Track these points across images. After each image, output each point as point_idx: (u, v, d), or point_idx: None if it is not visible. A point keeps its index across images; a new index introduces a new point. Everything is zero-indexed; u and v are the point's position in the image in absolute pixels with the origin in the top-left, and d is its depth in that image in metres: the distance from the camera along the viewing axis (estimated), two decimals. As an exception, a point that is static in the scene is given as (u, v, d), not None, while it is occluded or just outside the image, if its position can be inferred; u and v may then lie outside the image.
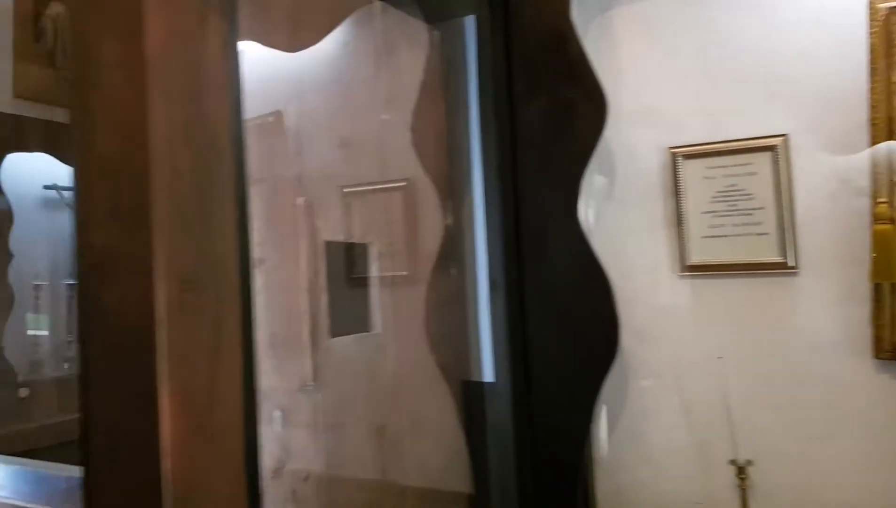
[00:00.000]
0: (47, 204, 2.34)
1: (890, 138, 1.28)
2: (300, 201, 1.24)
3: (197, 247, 0.79)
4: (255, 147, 1.00)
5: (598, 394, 1.36)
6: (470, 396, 1.54)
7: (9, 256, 2.00)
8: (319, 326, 1.22)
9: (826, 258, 1.36)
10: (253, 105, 0.88)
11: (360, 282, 1.40)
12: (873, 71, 1.29)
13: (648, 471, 1.49)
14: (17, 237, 2.00)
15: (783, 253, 1.38)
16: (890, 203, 1.28)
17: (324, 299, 1.24)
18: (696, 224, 1.44)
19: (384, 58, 1.47)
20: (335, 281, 1.29)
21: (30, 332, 2.12)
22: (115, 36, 0.76)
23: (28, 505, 1.16)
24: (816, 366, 1.36)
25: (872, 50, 1.29)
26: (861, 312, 1.32)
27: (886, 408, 1.30)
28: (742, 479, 1.39)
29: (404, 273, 1.51)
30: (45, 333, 2.13)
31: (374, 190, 1.53)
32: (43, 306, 2.22)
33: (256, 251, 0.91)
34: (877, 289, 1.30)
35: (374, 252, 1.41)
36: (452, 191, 1.52)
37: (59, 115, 2.23)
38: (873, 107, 1.29)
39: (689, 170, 1.44)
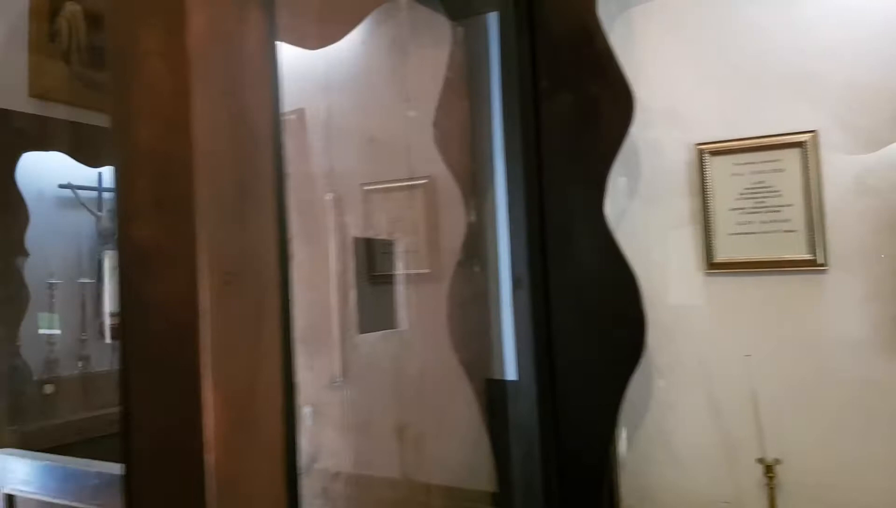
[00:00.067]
0: (62, 203, 2.35)
1: (921, 134, 1.27)
2: (329, 196, 1.24)
3: (238, 240, 0.78)
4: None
5: (623, 394, 1.35)
6: (492, 394, 1.53)
7: (25, 254, 2.01)
8: (348, 322, 1.22)
9: (855, 256, 1.34)
10: (276, 102, 0.88)
11: (386, 279, 1.40)
12: (904, 66, 1.27)
13: (673, 470, 1.48)
14: (33, 236, 2.01)
15: (812, 250, 1.37)
16: (921, 200, 1.26)
17: (352, 295, 1.23)
18: (722, 221, 1.43)
19: (407, 54, 1.47)
20: (362, 277, 1.29)
21: (45, 331, 2.12)
22: (158, 29, 0.76)
23: (56, 501, 1.15)
24: (845, 364, 1.35)
25: (903, 45, 1.28)
26: (891, 309, 1.31)
27: (917, 407, 1.29)
28: (770, 478, 1.38)
29: (428, 270, 1.51)
30: (59, 331, 2.13)
31: (397, 187, 1.52)
32: (58, 304, 2.22)
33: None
34: (908, 286, 1.28)
35: (399, 249, 1.41)
36: (475, 188, 1.52)
37: (75, 114, 2.24)
38: (904, 102, 1.28)
39: (716, 167, 1.43)
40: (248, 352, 0.79)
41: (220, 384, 0.74)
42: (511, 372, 1.52)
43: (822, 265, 1.37)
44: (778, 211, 1.39)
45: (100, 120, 2.28)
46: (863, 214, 1.34)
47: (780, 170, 1.38)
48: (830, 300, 1.37)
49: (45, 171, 2.24)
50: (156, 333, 0.76)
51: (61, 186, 2.34)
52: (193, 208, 0.73)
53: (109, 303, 2.44)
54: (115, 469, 1.22)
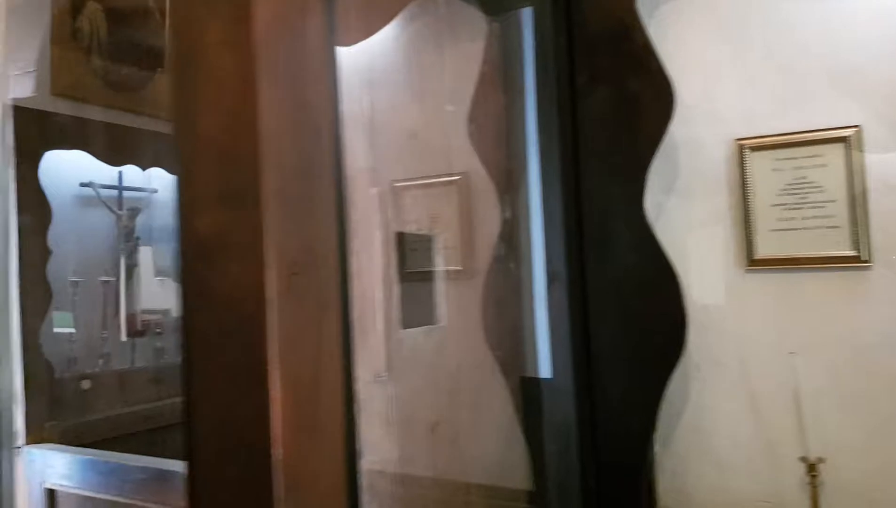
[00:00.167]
0: (84, 201, 2.36)
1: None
2: (374, 191, 1.23)
3: (302, 232, 0.78)
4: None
5: (662, 393, 1.34)
6: (527, 391, 1.52)
7: (47, 253, 2.01)
8: (392, 316, 1.21)
9: (900, 252, 1.33)
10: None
11: (426, 274, 1.39)
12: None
13: (712, 470, 1.46)
14: (55, 235, 2.01)
15: (855, 247, 1.35)
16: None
17: (396, 290, 1.23)
18: (763, 217, 1.41)
19: (442, 50, 1.46)
20: (404, 272, 1.28)
21: (59, 329, 2.13)
22: (223, 20, 0.76)
23: (98, 496, 1.15)
24: (890, 361, 1.33)
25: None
26: (938, 306, 1.29)
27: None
28: (813, 477, 1.36)
29: (463, 266, 1.50)
30: (73, 330, 2.13)
31: (433, 183, 1.52)
32: (79, 302, 2.23)
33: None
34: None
35: (438, 244, 1.40)
36: (510, 184, 1.51)
37: (96, 112, 2.25)
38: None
39: (757, 162, 1.41)
40: (311, 345, 0.78)
41: (286, 377, 0.74)
42: (546, 370, 1.51)
43: (865, 262, 1.35)
44: (821, 207, 1.37)
45: (121, 118, 2.29)
46: (908, 209, 1.32)
47: (823, 165, 1.37)
48: (874, 297, 1.34)
49: (67, 169, 2.25)
50: (220, 326, 0.76)
51: (83, 185, 2.35)
52: (260, 199, 0.73)
53: (125, 301, 2.45)
54: (159, 463, 1.22)
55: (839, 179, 1.36)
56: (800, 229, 1.39)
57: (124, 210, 2.46)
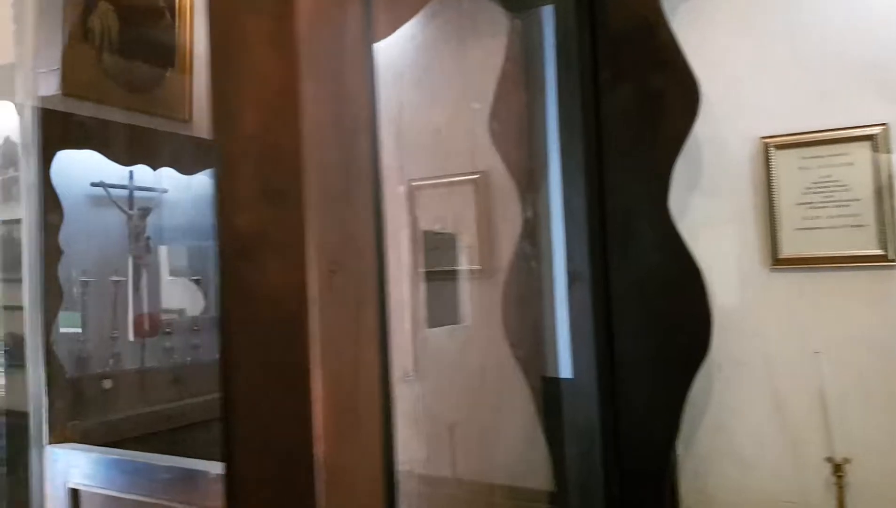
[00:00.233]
0: (94, 201, 2.35)
1: None
2: (401, 189, 1.22)
3: (341, 229, 0.77)
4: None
5: (687, 394, 1.33)
6: (548, 391, 1.51)
7: (58, 253, 2.01)
8: (418, 315, 1.20)
9: (927, 251, 1.32)
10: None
11: (447, 273, 1.39)
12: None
13: (735, 470, 1.46)
14: (66, 234, 2.01)
15: (883, 245, 1.34)
16: None
17: (422, 289, 1.22)
18: (788, 216, 1.41)
19: (463, 47, 1.45)
20: (429, 270, 1.28)
21: (66, 330, 2.13)
22: (264, 15, 0.75)
23: (124, 496, 1.14)
24: (917, 362, 1.32)
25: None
26: (966, 306, 1.28)
27: None
28: (839, 477, 1.35)
29: (484, 265, 1.49)
30: (80, 330, 2.13)
31: (452, 181, 1.51)
32: (90, 302, 2.23)
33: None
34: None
35: (462, 243, 1.39)
36: (532, 182, 1.50)
37: (107, 112, 2.24)
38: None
39: (782, 160, 1.40)
40: (350, 343, 0.77)
41: (327, 376, 0.73)
42: (566, 370, 1.50)
43: (892, 261, 1.34)
44: (847, 206, 1.36)
45: (132, 118, 2.29)
46: (936, 208, 1.31)
47: (849, 164, 1.36)
48: (901, 297, 1.34)
49: (78, 169, 2.24)
50: (261, 323, 0.75)
51: (93, 185, 2.34)
52: (302, 196, 0.72)
53: (133, 301, 2.45)
54: (185, 463, 1.22)
55: (865, 177, 1.35)
56: (825, 227, 1.38)
57: (135, 210, 2.45)
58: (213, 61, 0.79)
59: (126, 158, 2.39)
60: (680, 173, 1.44)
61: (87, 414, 1.54)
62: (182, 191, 2.54)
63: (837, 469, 1.35)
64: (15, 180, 2.36)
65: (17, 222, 2.29)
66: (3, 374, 1.35)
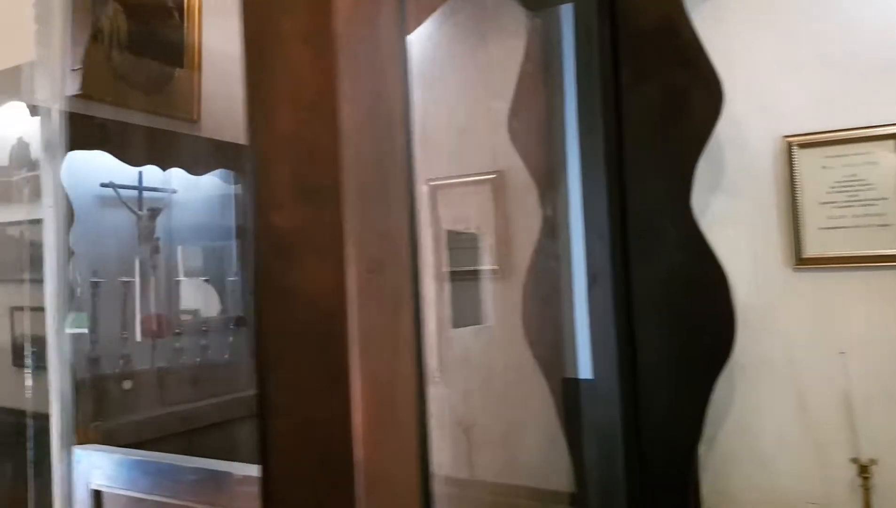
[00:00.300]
0: (104, 202, 2.35)
1: None
2: (424, 187, 1.22)
3: (378, 227, 0.76)
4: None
5: (710, 395, 1.32)
6: (567, 392, 1.50)
7: (69, 253, 2.00)
8: (444, 316, 1.19)
9: (954, 250, 1.31)
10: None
11: (471, 273, 1.38)
12: None
13: (758, 471, 1.44)
14: (77, 235, 2.01)
15: (908, 245, 1.33)
16: None
17: (447, 289, 1.21)
18: (812, 216, 1.40)
19: (481, 46, 1.44)
20: (452, 270, 1.27)
21: (79, 329, 2.12)
22: (301, 13, 0.74)
23: (148, 497, 1.13)
24: (943, 362, 1.31)
25: None
26: None
27: None
28: (865, 479, 1.34)
29: (504, 265, 1.48)
30: (86, 330, 2.13)
31: (470, 181, 1.50)
32: (100, 303, 2.22)
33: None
34: None
35: (484, 243, 1.38)
36: (551, 182, 1.49)
37: (116, 113, 2.24)
38: None
39: (806, 159, 1.39)
40: (388, 343, 0.77)
41: (366, 376, 0.72)
42: (586, 371, 1.49)
43: (918, 260, 1.33)
44: (871, 205, 1.35)
45: (141, 119, 2.28)
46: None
47: (874, 163, 1.35)
48: (927, 296, 1.33)
49: (88, 170, 2.24)
50: (299, 323, 0.74)
51: (103, 185, 2.34)
52: (341, 194, 0.71)
53: (140, 301, 2.44)
54: (211, 464, 1.21)
55: (890, 176, 1.34)
56: (850, 227, 1.38)
57: (144, 211, 2.45)
58: (247, 60, 0.78)
59: (136, 159, 2.38)
60: (701, 173, 1.43)
61: (109, 415, 1.53)
62: (191, 191, 2.53)
63: (863, 470, 1.34)
64: (27, 181, 2.35)
65: (29, 222, 2.28)
66: (30, 375, 1.34)
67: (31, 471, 1.26)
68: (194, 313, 2.29)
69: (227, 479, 1.13)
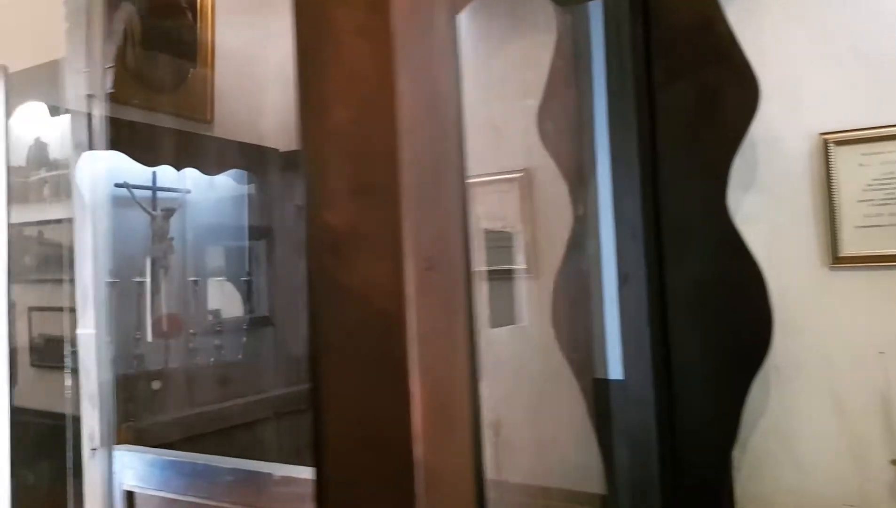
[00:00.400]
0: (118, 202, 2.35)
1: None
2: (463, 186, 1.20)
3: (434, 225, 0.75)
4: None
5: (745, 397, 1.31)
6: (598, 393, 1.49)
7: (73, 255, 1.99)
8: (481, 316, 1.18)
9: None
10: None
11: (505, 272, 1.37)
12: None
13: (793, 473, 1.42)
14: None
15: (948, 243, 1.32)
16: None
17: (485, 288, 1.20)
18: (848, 214, 1.38)
19: (511, 42, 1.43)
20: (488, 270, 1.26)
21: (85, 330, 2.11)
22: (358, 7, 0.73)
23: (182, 498, 1.11)
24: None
25: None
26: None
27: None
28: (905, 481, 1.32)
29: (529, 264, 1.47)
30: (93, 331, 2.12)
31: (499, 180, 1.49)
32: (114, 303, 2.22)
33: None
34: None
35: (519, 242, 1.37)
36: (581, 181, 1.48)
37: (131, 113, 2.23)
38: None
39: (842, 157, 1.38)
40: (445, 342, 0.75)
41: (424, 375, 0.71)
42: (616, 372, 1.47)
43: (958, 259, 1.32)
44: (910, 202, 1.34)
45: (154, 118, 2.28)
46: None
47: (913, 160, 1.34)
48: (967, 296, 1.31)
49: (102, 170, 2.23)
50: (355, 322, 0.73)
51: (117, 186, 2.33)
52: (399, 191, 0.70)
53: (151, 302, 2.43)
54: (248, 465, 1.19)
55: (929, 174, 1.33)
56: (887, 225, 1.36)
57: (158, 211, 2.44)
58: (299, 55, 0.77)
59: (150, 159, 2.38)
60: (734, 171, 1.42)
61: (139, 415, 1.52)
62: (205, 192, 2.53)
63: (903, 472, 1.32)
64: (45, 181, 2.35)
65: (49, 223, 2.27)
66: (69, 375, 1.34)
67: (69, 474, 1.26)
68: (215, 313, 2.28)
69: (266, 480, 1.11)
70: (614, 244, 1.46)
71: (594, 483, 1.43)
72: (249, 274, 2.53)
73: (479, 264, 1.21)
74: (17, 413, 1.73)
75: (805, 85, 1.43)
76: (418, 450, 0.69)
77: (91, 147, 1.66)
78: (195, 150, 2.37)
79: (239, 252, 2.57)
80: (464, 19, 1.50)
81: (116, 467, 1.28)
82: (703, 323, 1.34)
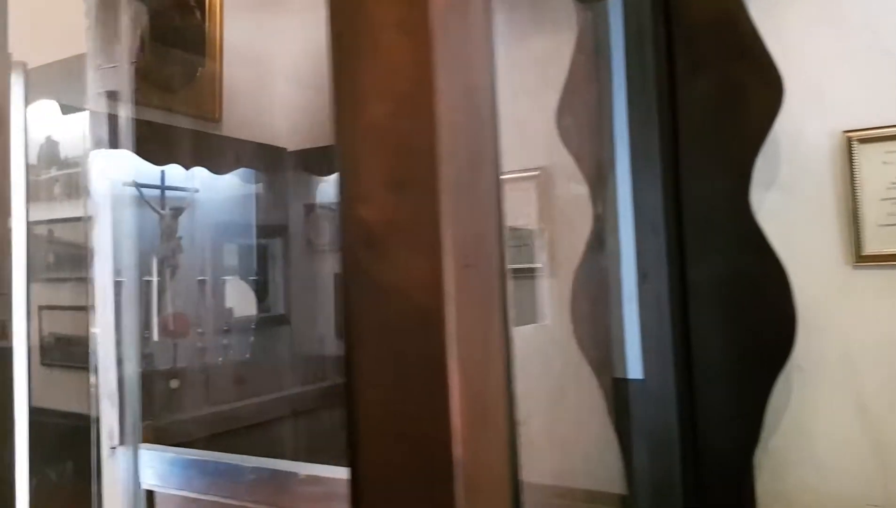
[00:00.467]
0: (126, 201, 2.34)
1: None
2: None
3: (472, 221, 0.74)
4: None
5: (768, 396, 1.30)
6: (619, 392, 1.48)
7: (92, 253, 1.99)
8: (507, 314, 1.17)
9: None
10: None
11: (527, 270, 1.36)
12: None
13: (815, 473, 1.42)
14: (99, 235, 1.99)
15: (974, 241, 1.31)
16: None
17: (511, 286, 1.19)
18: (872, 212, 1.36)
19: (530, 37, 1.42)
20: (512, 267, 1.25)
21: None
22: (396, 1, 0.72)
23: (204, 497, 1.10)
24: None
25: None
26: None
27: None
28: (930, 481, 1.31)
29: (552, 262, 1.46)
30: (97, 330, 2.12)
31: (516, 177, 1.48)
32: (123, 303, 2.21)
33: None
34: None
35: (542, 240, 1.36)
36: (601, 178, 1.47)
37: (140, 112, 2.23)
38: None
39: (866, 155, 1.37)
40: (482, 340, 0.74)
41: (462, 374, 0.70)
42: (635, 370, 1.47)
43: (984, 257, 1.31)
44: (935, 200, 1.33)
45: (162, 117, 2.27)
46: None
47: (938, 157, 1.33)
48: None
49: (111, 169, 2.23)
50: (392, 319, 0.72)
51: (126, 184, 2.33)
52: (437, 186, 0.69)
53: (157, 301, 2.43)
54: (273, 464, 1.18)
55: (954, 171, 1.32)
56: (912, 223, 1.35)
57: (167, 210, 2.44)
58: (334, 49, 0.76)
59: (159, 158, 2.37)
60: (756, 168, 1.41)
61: (158, 414, 1.52)
62: (213, 191, 2.52)
63: (927, 472, 1.31)
64: (56, 180, 2.34)
65: (59, 221, 2.27)
66: (91, 374, 1.34)
67: (93, 473, 1.25)
68: (228, 311, 2.28)
69: (291, 479, 1.10)
70: (634, 241, 1.45)
71: (614, 483, 1.42)
72: (258, 273, 2.53)
73: (507, 261, 1.19)
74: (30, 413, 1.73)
75: (828, 82, 1.42)
76: (458, 450, 0.68)
77: (115, 145, 1.65)
78: (204, 148, 2.37)
79: (247, 251, 2.56)
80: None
81: (137, 465, 1.27)
82: (724, 322, 1.33)
